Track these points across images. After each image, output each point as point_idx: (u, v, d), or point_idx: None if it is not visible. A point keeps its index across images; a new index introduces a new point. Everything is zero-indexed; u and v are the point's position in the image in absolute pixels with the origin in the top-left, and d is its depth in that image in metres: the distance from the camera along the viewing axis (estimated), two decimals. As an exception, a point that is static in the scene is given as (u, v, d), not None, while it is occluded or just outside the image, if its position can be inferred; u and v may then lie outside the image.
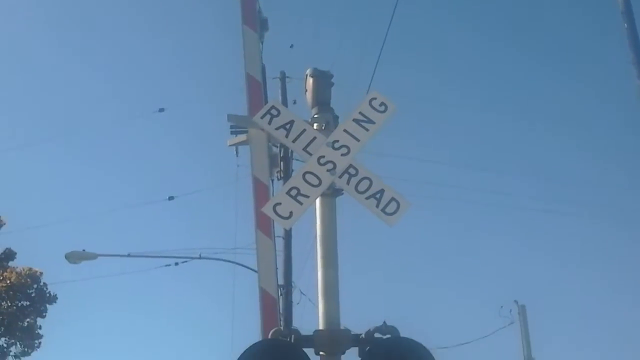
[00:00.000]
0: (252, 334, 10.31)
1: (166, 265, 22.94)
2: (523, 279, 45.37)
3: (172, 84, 55.44)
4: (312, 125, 6.37)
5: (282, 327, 5.77)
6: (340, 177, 5.97)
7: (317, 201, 6.04)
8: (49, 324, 25.73)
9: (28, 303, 25.16)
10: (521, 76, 52.82)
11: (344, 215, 6.24)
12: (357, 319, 6.09)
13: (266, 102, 8.62)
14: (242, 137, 10.47)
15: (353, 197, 5.96)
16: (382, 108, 6.25)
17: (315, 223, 6.09)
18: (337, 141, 6.09)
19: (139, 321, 50.87)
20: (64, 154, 57.01)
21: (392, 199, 5.89)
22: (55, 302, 25.54)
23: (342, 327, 5.75)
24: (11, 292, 24.70)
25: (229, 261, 21.72)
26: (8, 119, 52.38)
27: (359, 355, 5.57)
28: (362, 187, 5.94)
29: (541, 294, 43.71)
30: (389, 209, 5.87)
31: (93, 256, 22.13)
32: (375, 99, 6.29)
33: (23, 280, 24.90)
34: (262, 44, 10.60)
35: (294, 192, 5.88)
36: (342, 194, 6.08)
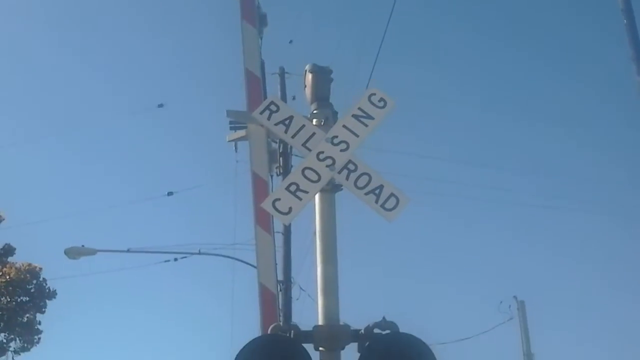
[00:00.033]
0: (251, 329, 10.31)
1: (165, 261, 22.95)
2: (522, 275, 45.45)
3: (171, 80, 55.48)
4: (312, 121, 6.37)
5: (281, 323, 5.76)
6: (339, 172, 5.97)
7: (317, 197, 6.05)
8: (49, 320, 25.78)
9: (27, 298, 25.19)
10: (521, 72, 52.85)
11: (343, 211, 6.25)
12: (357, 315, 6.10)
13: (265, 97, 8.61)
14: (241, 133, 10.46)
15: (352, 192, 5.96)
16: (382, 104, 6.25)
17: (315, 219, 6.09)
18: (337, 137, 6.09)
19: (138, 317, 50.99)
20: (63, 150, 57.05)
21: (392, 194, 5.89)
22: (54, 297, 25.58)
23: (341, 323, 5.76)
24: (10, 288, 24.73)
25: (229, 257, 21.74)
26: (8, 115, 52.36)
27: (358, 351, 5.58)
28: (361, 183, 5.94)
29: (540, 290, 43.84)
30: (388, 205, 5.88)
31: (92, 252, 22.13)
32: (374, 94, 6.29)
33: (22, 276, 24.92)
34: (261, 39, 10.58)
35: (293, 188, 5.88)
36: (342, 189, 6.08)
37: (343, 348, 5.67)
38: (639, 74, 13.10)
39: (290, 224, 17.38)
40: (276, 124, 6.25)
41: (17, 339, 25.09)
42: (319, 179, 5.93)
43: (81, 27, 55.16)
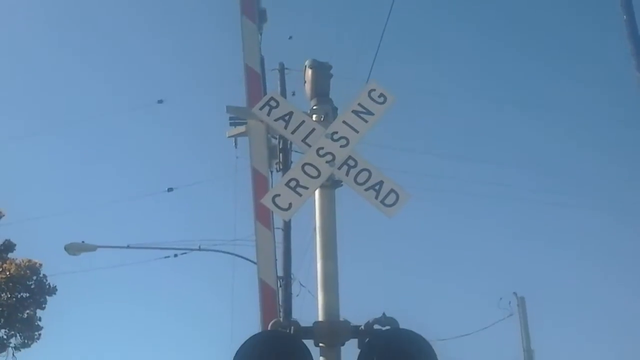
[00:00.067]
0: (251, 325, 10.32)
1: (165, 257, 22.97)
2: (522, 271, 45.42)
3: (171, 76, 55.43)
4: (311, 117, 6.37)
5: (281, 319, 5.76)
6: (339, 168, 5.97)
7: (316, 193, 6.04)
8: (49, 316, 25.77)
9: (27, 295, 25.17)
10: (521, 69, 52.81)
11: (343, 207, 6.25)
12: (357, 311, 6.10)
13: (265, 93, 8.60)
14: (241, 129, 10.44)
15: (352, 188, 5.96)
16: (381, 99, 6.24)
17: (315, 215, 6.09)
18: (336, 132, 6.08)
19: (138, 313, 50.97)
20: (63, 146, 57.05)
21: (392, 190, 5.89)
22: (54, 293, 25.56)
23: (341, 319, 5.76)
24: (11, 284, 24.71)
25: (229, 253, 21.75)
26: (8, 111, 52.35)
27: (359, 347, 5.58)
28: (361, 179, 5.94)
29: (540, 286, 43.84)
30: (388, 201, 5.87)
31: (92, 248, 22.14)
32: (374, 90, 6.28)
33: (22, 272, 24.91)
34: (261, 35, 10.56)
35: (293, 184, 5.88)
36: (342, 185, 6.08)
37: (343, 344, 5.67)
38: (638, 70, 13.09)
39: (290, 220, 17.40)
40: (276, 120, 6.25)
41: (18, 335, 25.09)
42: (319, 175, 5.93)
43: (81, 24, 55.15)
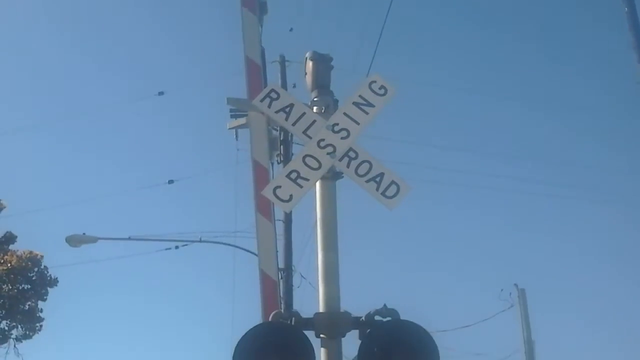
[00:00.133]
0: (252, 317, 10.34)
1: (166, 249, 22.98)
2: (523, 263, 45.50)
3: (172, 68, 55.37)
4: (312, 109, 6.37)
5: (282, 310, 5.77)
6: (340, 160, 5.97)
7: (317, 184, 6.05)
8: (50, 307, 25.81)
9: (29, 286, 25.20)
10: (522, 61, 52.70)
11: (344, 199, 6.25)
12: (358, 302, 6.11)
13: (266, 85, 8.60)
14: (241, 121, 10.45)
15: (353, 180, 5.96)
16: (382, 91, 6.24)
17: (315, 206, 6.09)
18: (337, 124, 6.09)
19: (139, 304, 51.07)
20: (64, 137, 57.01)
21: (392, 182, 5.90)
22: (56, 285, 25.59)
23: (342, 310, 5.77)
24: (12, 276, 24.73)
25: (230, 244, 21.76)
26: (8, 103, 52.33)
27: (359, 338, 5.59)
28: (362, 171, 5.94)
29: (541, 278, 43.93)
30: (389, 193, 5.88)
31: (93, 240, 22.15)
32: (375, 82, 6.28)
33: (24, 264, 24.93)
34: (261, 27, 10.55)
35: (293, 175, 5.88)
36: (342, 177, 6.09)
37: (344, 335, 5.68)
38: (639, 62, 13.09)
39: (291, 212, 17.41)
40: (277, 112, 6.25)
41: (19, 326, 25.14)
42: (320, 167, 5.93)
43: (82, 17, 55.06)
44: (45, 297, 25.42)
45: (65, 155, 56.99)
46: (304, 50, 6.76)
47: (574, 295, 44.02)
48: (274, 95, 6.29)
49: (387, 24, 13.28)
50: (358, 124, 6.10)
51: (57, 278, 25.59)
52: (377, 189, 5.88)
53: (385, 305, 5.65)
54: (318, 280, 5.91)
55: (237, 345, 5.42)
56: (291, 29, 22.58)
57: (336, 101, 6.48)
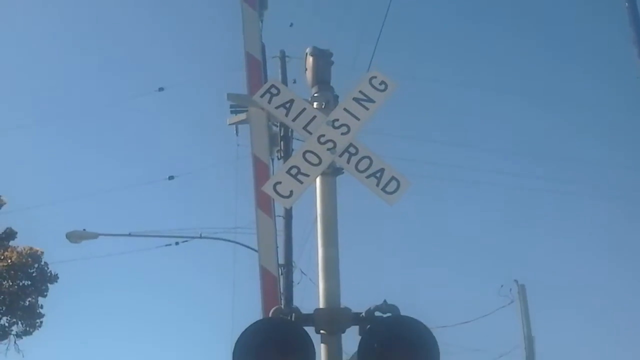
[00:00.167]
0: (253, 313, 10.35)
1: (167, 245, 22.94)
2: (523, 259, 45.53)
3: (172, 63, 55.34)
4: (312, 104, 6.36)
5: (282, 306, 5.77)
6: (340, 156, 5.97)
7: (318, 180, 6.04)
8: (50, 303, 25.80)
9: (29, 282, 25.21)
10: (522, 57, 52.68)
11: (344, 195, 6.25)
12: (358, 298, 6.11)
13: (266, 81, 8.60)
14: (242, 116, 10.46)
15: (353, 176, 5.96)
16: (382, 87, 6.23)
17: (316, 202, 6.09)
18: (337, 120, 6.08)
19: (140, 300, 51.08)
20: (64, 133, 57.03)
21: (393, 178, 5.89)
22: (56, 281, 25.59)
23: (342, 306, 5.77)
24: (12, 272, 24.74)
25: (230, 240, 21.73)
26: (8, 99, 52.30)
27: (360, 334, 5.59)
28: (362, 166, 5.94)
29: (541, 274, 43.94)
30: (389, 188, 5.87)
31: (94, 235, 22.14)
32: (375, 77, 6.28)
33: (24, 260, 24.93)
34: (261, 22, 10.56)
35: (294, 171, 5.88)
36: (343, 173, 6.08)
37: (344, 331, 5.68)
38: (640, 57, 13.08)
39: (291, 208, 17.39)
40: (277, 107, 6.24)
41: (19, 322, 25.15)
42: (320, 163, 5.93)
43: (81, 12, 55.01)
44: (45, 293, 25.43)
45: (66, 151, 56.98)
46: (304, 45, 6.75)
47: (574, 291, 44.11)
48: (274, 90, 6.28)
49: (388, 19, 13.25)
50: (358, 119, 6.09)
51: (57, 274, 25.61)
52: (378, 185, 5.88)
53: (385, 301, 5.65)
54: (318, 276, 5.90)
55: (237, 341, 5.42)
56: (291, 25, 22.53)
57: (336, 97, 6.47)
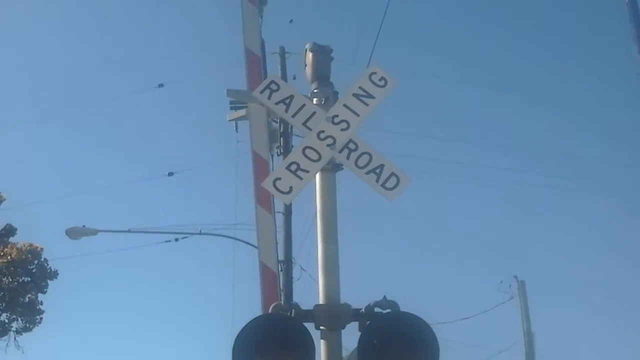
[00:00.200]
0: (252, 309, 10.35)
1: (166, 241, 22.97)
2: (523, 255, 45.52)
3: (171, 60, 55.29)
4: (312, 100, 6.35)
5: (282, 302, 5.77)
6: (340, 152, 5.96)
7: (317, 176, 6.04)
8: (50, 300, 25.84)
9: (29, 279, 25.23)
10: (521, 53, 52.65)
11: (344, 191, 6.24)
12: (357, 294, 6.11)
13: (265, 77, 8.59)
14: (241, 112, 10.46)
15: (353, 172, 5.95)
16: (382, 83, 6.23)
17: (315, 198, 6.08)
18: (337, 116, 6.07)
19: (139, 297, 51.07)
20: (64, 130, 57.03)
21: (392, 174, 5.89)
22: (56, 277, 25.61)
23: (342, 302, 5.76)
24: (12, 268, 24.76)
25: (230, 237, 21.75)
26: (9, 95, 52.28)
27: (359, 330, 5.58)
28: (362, 162, 5.93)
29: (541, 270, 43.95)
30: (389, 184, 5.87)
31: (93, 232, 22.15)
32: (375, 73, 6.27)
33: (24, 256, 24.95)
34: (261, 18, 10.55)
35: (293, 167, 5.87)
36: (342, 169, 6.08)
37: (344, 327, 5.67)
38: (640, 53, 13.08)
39: (291, 204, 17.40)
40: (276, 103, 6.24)
41: (19, 319, 25.18)
42: (320, 159, 5.92)
43: (81, 8, 54.97)
44: (45, 290, 25.45)
45: (65, 148, 56.97)
46: (303, 41, 6.75)
47: (574, 287, 44.15)
48: (273, 86, 6.27)
49: (387, 15, 13.25)
50: (358, 115, 6.09)
51: (57, 270, 25.63)
52: (377, 181, 5.87)
53: (385, 297, 5.64)
54: (318, 272, 5.90)
55: (237, 337, 5.42)
56: (291, 21, 22.52)
57: (336, 93, 6.46)
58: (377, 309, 5.62)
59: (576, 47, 50.82)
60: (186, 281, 51.97)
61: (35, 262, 25.31)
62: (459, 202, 50.65)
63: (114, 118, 55.28)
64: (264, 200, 9.19)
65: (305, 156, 5.91)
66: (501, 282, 29.90)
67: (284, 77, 19.50)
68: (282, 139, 17.63)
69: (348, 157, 5.95)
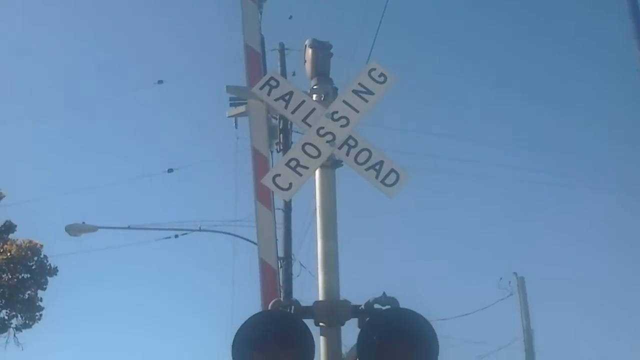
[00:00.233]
0: (252, 305, 10.35)
1: (166, 238, 22.94)
2: (522, 251, 45.58)
3: (171, 56, 55.26)
4: (312, 97, 6.34)
5: (282, 299, 5.77)
6: (339, 148, 5.95)
7: (317, 173, 6.03)
8: (50, 297, 25.84)
9: (29, 275, 25.24)
10: (521, 50, 52.62)
11: (344, 187, 6.24)
12: (357, 291, 6.10)
13: (265, 73, 8.58)
14: (241, 109, 10.46)
15: (352, 168, 5.95)
16: (382, 79, 6.22)
17: (315, 195, 6.08)
18: (337, 112, 6.06)
19: (139, 293, 51.16)
20: (63, 126, 57.01)
21: (392, 170, 5.88)
22: (55, 274, 25.62)
23: (341, 298, 5.76)
24: (12, 265, 24.77)
25: (229, 233, 21.74)
26: (8, 92, 52.23)
27: (359, 326, 5.58)
28: (361, 159, 5.92)
29: (540, 266, 43.99)
30: (389, 181, 5.86)
31: (93, 228, 22.14)
32: (374, 69, 6.26)
33: (23, 253, 24.96)
34: (261, 14, 10.54)
35: (293, 164, 5.87)
36: (342, 165, 6.07)
37: (343, 323, 5.67)
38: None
39: (290, 200, 17.39)
40: (276, 100, 6.22)
41: (19, 315, 25.19)
42: (319, 155, 5.91)
43: (81, 5, 54.92)
44: (44, 287, 25.46)
45: (65, 144, 56.97)
46: (303, 38, 6.73)
47: (573, 283, 44.21)
48: (273, 83, 6.26)
49: (387, 11, 13.23)
50: (357, 112, 6.08)
51: (56, 267, 25.65)
52: (377, 177, 5.86)
53: (384, 293, 5.64)
54: (317, 269, 5.90)
55: (237, 333, 5.41)
56: (290, 17, 22.51)
57: (335, 89, 6.45)
58: (376, 306, 5.62)
59: (576, 43, 50.78)
60: (186, 278, 52.06)
61: (35, 258, 25.32)
62: (459, 199, 50.67)
63: (114, 115, 55.34)
64: (263, 196, 9.18)
65: (305, 153, 5.91)
66: (501, 278, 29.94)
67: (284, 73, 19.49)
68: (281, 135, 17.60)
69: (348, 154, 5.95)
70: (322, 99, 6.31)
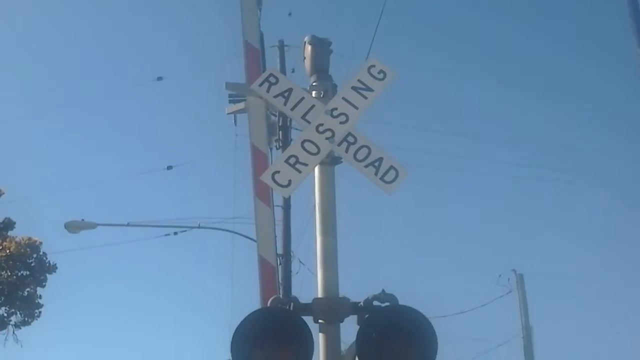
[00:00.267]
0: (251, 302, 10.35)
1: (165, 235, 22.95)
2: (521, 248, 45.56)
3: (170, 53, 55.22)
4: (311, 93, 6.33)
5: (281, 296, 5.76)
6: (339, 145, 5.95)
7: (316, 170, 6.02)
8: (49, 294, 25.85)
9: (28, 272, 25.24)
10: (520, 46, 52.60)
11: (343, 184, 6.23)
12: (356, 288, 6.10)
13: (264, 70, 8.57)
14: (240, 105, 10.46)
15: (352, 165, 5.94)
16: (381, 76, 6.21)
17: (314, 191, 6.07)
18: (336, 109, 6.06)
19: (138, 290, 51.21)
20: (62, 123, 56.95)
21: (391, 167, 5.88)
22: (54, 271, 25.62)
23: (340, 295, 5.76)
24: (11, 262, 24.77)
25: (228, 230, 21.74)
26: (7, 89, 52.21)
27: (358, 323, 5.58)
28: (360, 155, 5.92)
29: (539, 263, 43.99)
30: (388, 177, 5.86)
31: (92, 225, 22.13)
32: (374, 66, 6.25)
33: (22, 250, 24.95)
34: (260, 11, 10.52)
35: (292, 161, 5.86)
36: (341, 162, 6.06)
37: (342, 320, 5.67)
38: (639, 47, 13.03)
39: (289, 197, 17.41)
40: (275, 96, 6.22)
41: (18, 312, 25.19)
42: (319, 152, 5.91)
43: (80, 2, 54.86)
44: (44, 284, 25.46)
45: (64, 141, 56.96)
46: (302, 34, 6.73)
47: (573, 280, 44.24)
48: (272, 79, 6.25)
49: (386, 8, 13.22)
50: (357, 108, 6.07)
51: (55, 264, 25.65)
52: (376, 174, 5.86)
53: (383, 290, 5.64)
54: (316, 266, 5.89)
55: (236, 330, 5.41)
56: (290, 14, 22.50)
57: (335, 86, 6.44)
58: (375, 303, 5.62)
59: (575, 40, 50.79)
60: (185, 275, 52.11)
61: (34, 255, 25.32)
62: (458, 196, 50.74)
63: (113, 112, 55.32)
64: (262, 193, 9.18)
65: (304, 149, 5.90)
66: (500, 275, 29.98)
67: (283, 70, 19.48)
68: (281, 132, 17.60)
69: (347, 151, 5.94)
70: (321, 95, 6.30)
